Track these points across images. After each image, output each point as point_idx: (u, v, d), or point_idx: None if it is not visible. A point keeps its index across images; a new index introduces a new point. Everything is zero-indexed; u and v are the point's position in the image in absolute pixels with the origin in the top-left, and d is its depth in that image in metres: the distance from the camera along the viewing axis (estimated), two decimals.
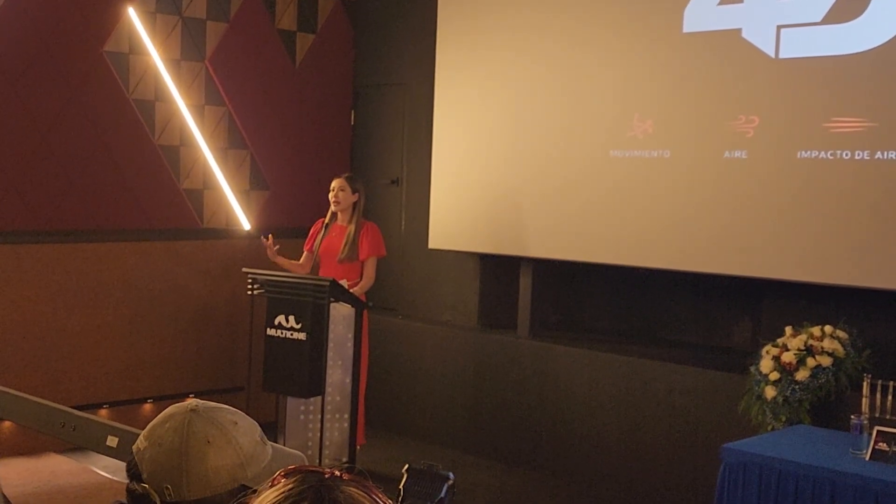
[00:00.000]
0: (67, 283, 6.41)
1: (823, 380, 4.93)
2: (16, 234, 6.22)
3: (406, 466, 1.67)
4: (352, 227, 6.08)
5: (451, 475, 1.63)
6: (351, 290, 5.85)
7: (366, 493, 1.25)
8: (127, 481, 1.71)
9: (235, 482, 1.67)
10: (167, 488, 1.65)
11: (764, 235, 5.37)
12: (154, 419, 1.73)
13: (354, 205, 6.11)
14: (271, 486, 1.26)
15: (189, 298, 6.96)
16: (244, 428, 1.71)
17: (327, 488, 1.23)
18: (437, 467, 1.66)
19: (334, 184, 6.11)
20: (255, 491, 1.35)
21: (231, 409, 1.74)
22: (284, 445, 6.06)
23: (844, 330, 5.06)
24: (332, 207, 6.12)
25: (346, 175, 6.21)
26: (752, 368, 5.16)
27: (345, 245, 6.06)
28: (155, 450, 1.67)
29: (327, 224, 6.19)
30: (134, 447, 1.71)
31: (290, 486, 1.24)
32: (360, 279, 6.11)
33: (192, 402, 1.73)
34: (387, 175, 7.63)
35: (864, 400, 4.46)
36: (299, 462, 1.81)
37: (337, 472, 1.26)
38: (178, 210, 6.96)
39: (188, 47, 6.92)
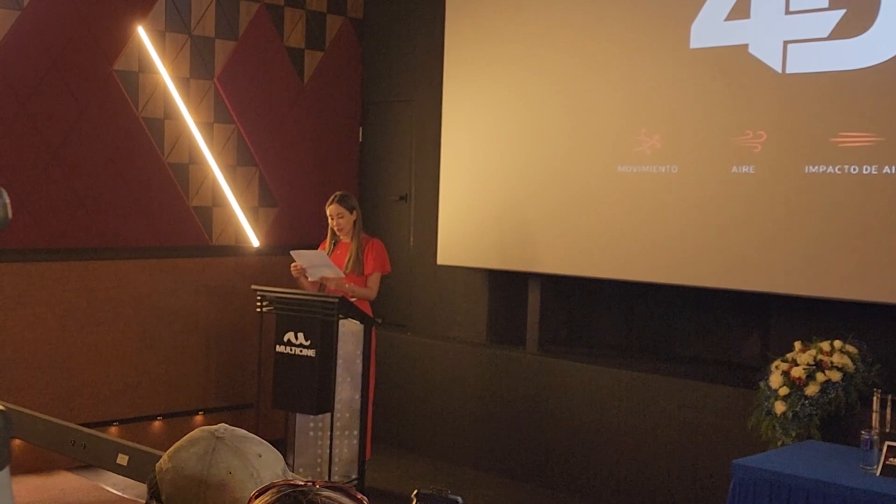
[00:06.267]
0: (77, 301, 6.43)
1: (833, 395, 4.92)
2: (26, 252, 6.25)
3: (415, 492, 1.66)
4: (354, 243, 6.12)
5: (461, 500, 1.62)
6: (347, 289, 5.91)
7: (344, 493, 1.30)
8: (137, 499, 1.72)
9: None
10: None
11: (772, 250, 5.37)
12: (180, 440, 1.72)
13: (354, 222, 6.14)
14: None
15: (198, 316, 6.98)
16: (267, 461, 1.69)
17: (303, 493, 1.30)
18: (445, 492, 1.65)
19: (330, 211, 6.11)
20: None
21: (258, 439, 1.72)
22: (294, 462, 6.05)
23: (854, 345, 5.04)
24: (338, 234, 6.15)
25: (337, 197, 6.14)
26: (762, 384, 5.15)
27: (349, 260, 6.10)
28: (176, 473, 1.66)
29: (334, 243, 6.22)
30: (157, 465, 1.71)
31: (266, 498, 1.30)
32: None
33: (220, 427, 1.72)
34: (395, 191, 7.64)
35: (874, 415, 4.45)
36: None
37: (312, 481, 1.33)
38: (187, 227, 6.99)
39: (197, 65, 6.96)
